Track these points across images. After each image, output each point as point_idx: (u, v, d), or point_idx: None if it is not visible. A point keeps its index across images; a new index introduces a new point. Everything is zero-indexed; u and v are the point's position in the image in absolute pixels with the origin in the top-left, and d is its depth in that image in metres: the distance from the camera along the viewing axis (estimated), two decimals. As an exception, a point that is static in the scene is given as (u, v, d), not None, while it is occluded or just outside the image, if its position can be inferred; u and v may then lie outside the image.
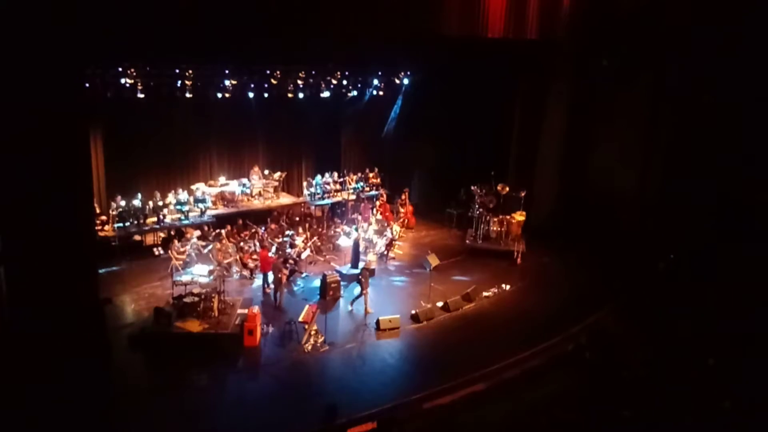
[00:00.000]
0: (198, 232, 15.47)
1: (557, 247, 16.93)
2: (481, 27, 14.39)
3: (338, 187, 19.16)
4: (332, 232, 17.12)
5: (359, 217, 17.63)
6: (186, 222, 16.15)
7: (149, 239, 16.16)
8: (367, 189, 19.66)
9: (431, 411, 10.09)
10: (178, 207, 16.21)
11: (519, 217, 16.96)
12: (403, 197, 19.05)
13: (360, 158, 21.06)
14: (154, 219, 15.81)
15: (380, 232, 16.67)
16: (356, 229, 16.31)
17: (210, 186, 17.56)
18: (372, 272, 13.96)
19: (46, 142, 9.06)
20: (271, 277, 13.73)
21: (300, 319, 12.43)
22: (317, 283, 14.13)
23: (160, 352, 11.32)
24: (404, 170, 20.99)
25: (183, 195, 16.59)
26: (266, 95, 17.11)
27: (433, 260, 15.54)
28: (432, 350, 12.00)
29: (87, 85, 13.19)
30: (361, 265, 14.58)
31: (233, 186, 17.89)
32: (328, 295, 13.71)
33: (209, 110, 17.22)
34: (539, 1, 15.25)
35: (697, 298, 12.98)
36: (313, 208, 18.84)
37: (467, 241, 17.11)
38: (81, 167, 9.93)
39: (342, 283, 14.12)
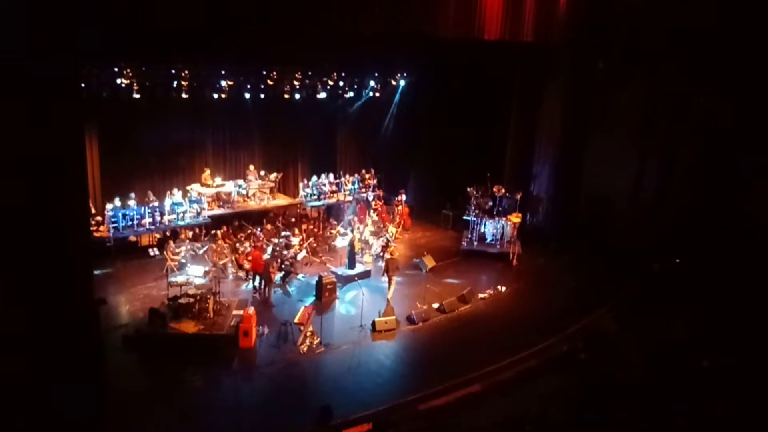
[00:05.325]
0: (191, 234, 15.44)
1: (553, 248, 16.97)
2: (478, 29, 14.39)
3: (335, 188, 19.15)
4: (328, 233, 17.11)
5: (355, 219, 17.62)
6: (181, 223, 16.10)
7: (144, 240, 16.12)
8: (363, 190, 19.66)
9: (427, 412, 10.09)
10: (174, 207, 16.15)
11: (515, 218, 16.99)
12: (399, 198, 19.07)
13: (356, 159, 21.06)
14: (150, 220, 15.75)
15: (376, 234, 16.67)
16: (351, 231, 16.30)
17: (205, 185, 17.52)
18: (395, 263, 13.83)
19: (41, 142, 9.04)
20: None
21: (295, 320, 12.43)
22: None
23: (155, 353, 11.26)
24: (400, 171, 21.00)
25: (178, 196, 16.54)
26: (262, 96, 17.10)
27: (429, 262, 15.59)
28: (428, 352, 11.99)
29: (82, 84, 13.17)
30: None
31: (229, 187, 17.85)
32: (323, 296, 13.70)
33: (205, 111, 17.19)
34: (535, 3, 15.28)
35: (692, 299, 13.02)
36: (309, 209, 18.83)
37: (463, 243, 17.12)
38: (76, 167, 9.91)
39: (338, 284, 14.14)
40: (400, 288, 14.42)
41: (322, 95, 18.03)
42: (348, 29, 12.65)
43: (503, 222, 16.93)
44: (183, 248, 14.20)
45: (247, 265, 14.35)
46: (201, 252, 14.12)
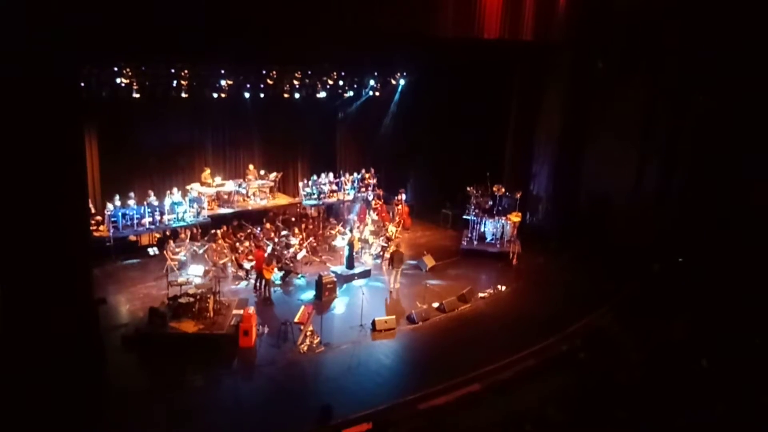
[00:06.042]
0: (189, 233, 15.45)
1: (553, 247, 16.97)
2: (477, 28, 14.38)
3: (334, 187, 19.15)
4: (328, 232, 17.11)
5: (355, 218, 17.62)
6: (181, 222, 16.10)
7: (144, 239, 16.12)
8: (363, 189, 19.67)
9: (427, 412, 10.09)
10: (174, 207, 16.14)
11: (515, 218, 16.99)
12: (398, 198, 19.07)
13: (356, 159, 21.06)
14: (149, 219, 15.75)
15: (376, 233, 16.67)
16: (350, 230, 16.30)
17: (205, 185, 17.52)
18: (400, 255, 14.59)
19: (41, 142, 9.05)
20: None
21: (295, 320, 12.43)
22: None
23: (155, 353, 11.27)
24: (400, 171, 21.00)
25: (178, 195, 16.54)
26: (262, 95, 17.10)
27: (429, 261, 15.60)
28: (427, 351, 12.00)
29: (82, 84, 13.16)
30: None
31: (229, 186, 17.86)
32: (323, 295, 13.71)
33: (205, 110, 17.19)
34: (535, 2, 15.26)
35: (692, 299, 13.02)
36: (310, 209, 18.83)
37: (463, 242, 17.12)
38: (76, 167, 9.92)
39: (337, 284, 14.13)
40: (401, 287, 14.45)
41: (322, 95, 18.03)
42: (348, 29, 12.64)
43: (503, 221, 16.93)
44: (183, 248, 14.21)
45: (247, 265, 14.36)
46: (201, 251, 14.14)
